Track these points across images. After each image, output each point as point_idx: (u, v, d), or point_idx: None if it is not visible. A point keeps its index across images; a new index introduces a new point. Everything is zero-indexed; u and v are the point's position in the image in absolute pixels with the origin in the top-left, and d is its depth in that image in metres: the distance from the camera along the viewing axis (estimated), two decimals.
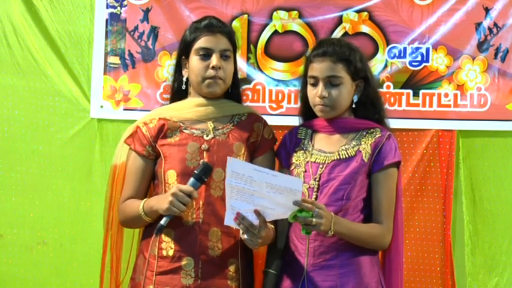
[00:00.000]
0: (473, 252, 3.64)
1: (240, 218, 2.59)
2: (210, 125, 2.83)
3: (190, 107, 2.86)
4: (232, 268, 2.78)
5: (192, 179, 2.68)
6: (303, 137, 2.89)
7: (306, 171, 2.79)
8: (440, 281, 3.66)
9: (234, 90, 2.93)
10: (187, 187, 2.65)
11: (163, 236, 2.76)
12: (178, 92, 2.91)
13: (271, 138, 2.93)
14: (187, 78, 2.87)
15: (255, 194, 2.54)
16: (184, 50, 2.88)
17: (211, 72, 2.80)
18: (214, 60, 2.80)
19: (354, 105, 2.84)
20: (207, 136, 2.81)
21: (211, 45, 2.82)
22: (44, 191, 3.76)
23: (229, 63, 2.85)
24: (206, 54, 2.81)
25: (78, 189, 3.76)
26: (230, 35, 2.88)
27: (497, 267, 3.64)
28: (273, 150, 2.94)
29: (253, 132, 2.88)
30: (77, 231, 3.75)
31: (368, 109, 2.85)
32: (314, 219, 2.56)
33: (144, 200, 2.77)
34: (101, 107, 3.76)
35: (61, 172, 3.77)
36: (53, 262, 3.76)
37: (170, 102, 2.94)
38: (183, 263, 2.73)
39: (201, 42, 2.83)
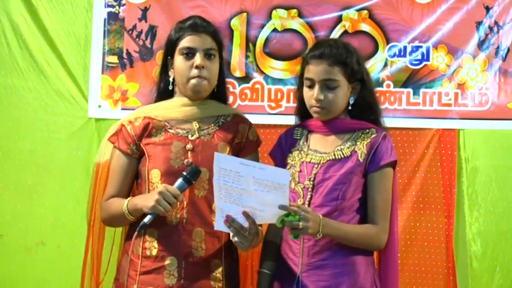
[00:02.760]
0: (476, 254, 3.61)
1: (230, 220, 2.58)
2: (195, 125, 2.82)
3: (176, 106, 2.85)
4: (216, 269, 2.76)
5: (180, 180, 2.67)
6: (298, 138, 2.88)
7: (300, 171, 2.78)
8: (443, 283, 3.63)
9: (220, 90, 2.91)
10: (175, 189, 2.64)
11: (147, 235, 2.75)
12: (164, 92, 2.89)
13: (256, 140, 2.92)
14: (173, 79, 2.86)
15: (243, 193, 2.53)
16: (169, 50, 2.87)
17: (195, 71, 2.78)
18: (197, 59, 2.78)
19: (350, 107, 2.82)
20: (192, 136, 2.80)
21: (195, 44, 2.80)
22: (42, 191, 3.76)
23: (213, 62, 2.83)
24: (190, 53, 2.80)
25: (76, 189, 3.74)
26: (215, 34, 2.86)
27: (500, 269, 3.61)
28: (258, 152, 2.93)
29: (238, 133, 2.86)
30: (75, 231, 3.72)
31: (364, 111, 2.83)
32: (301, 223, 2.54)
33: (129, 198, 2.76)
34: (99, 106, 3.75)
35: (59, 172, 3.76)
36: (51, 262, 3.75)
37: (155, 102, 2.92)
38: (166, 262, 2.72)
39: (185, 41, 2.81)
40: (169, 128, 2.81)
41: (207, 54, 2.80)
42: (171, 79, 2.86)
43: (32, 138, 3.76)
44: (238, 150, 2.85)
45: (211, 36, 2.83)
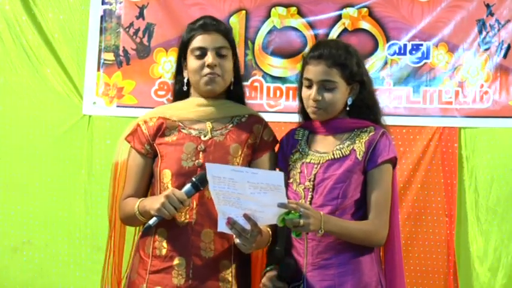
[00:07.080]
0: (477, 254, 3.60)
1: (231, 223, 2.57)
2: (208, 125, 2.81)
3: (191, 106, 2.84)
4: (224, 270, 2.75)
5: (188, 186, 2.66)
6: (299, 138, 2.87)
7: (301, 171, 2.77)
8: (444, 283, 3.62)
9: (236, 89, 2.90)
10: (182, 194, 2.63)
11: (157, 235, 2.75)
12: (179, 93, 2.89)
13: (272, 140, 2.89)
14: (188, 79, 2.85)
15: (240, 197, 2.52)
16: (182, 52, 2.87)
17: (207, 70, 2.78)
18: (209, 58, 2.78)
19: (348, 108, 2.81)
20: (205, 136, 2.79)
21: (205, 43, 2.79)
22: (33, 189, 3.74)
23: (226, 60, 2.82)
24: (201, 53, 2.79)
25: (68, 187, 3.73)
26: (226, 33, 2.85)
27: (503, 269, 3.58)
28: (274, 151, 2.91)
29: (252, 134, 2.84)
30: (63, 230, 3.73)
31: (363, 112, 2.82)
32: (301, 220, 2.53)
33: (140, 199, 2.76)
34: (94, 103, 3.74)
35: (51, 170, 3.75)
36: (38, 262, 3.73)
37: (172, 103, 2.93)
38: (175, 262, 2.72)
39: (196, 41, 2.80)
40: (183, 128, 2.80)
41: (219, 53, 2.79)
42: (185, 80, 2.85)
43: (24, 135, 3.74)
44: (252, 151, 2.83)
45: (222, 35, 2.82)
